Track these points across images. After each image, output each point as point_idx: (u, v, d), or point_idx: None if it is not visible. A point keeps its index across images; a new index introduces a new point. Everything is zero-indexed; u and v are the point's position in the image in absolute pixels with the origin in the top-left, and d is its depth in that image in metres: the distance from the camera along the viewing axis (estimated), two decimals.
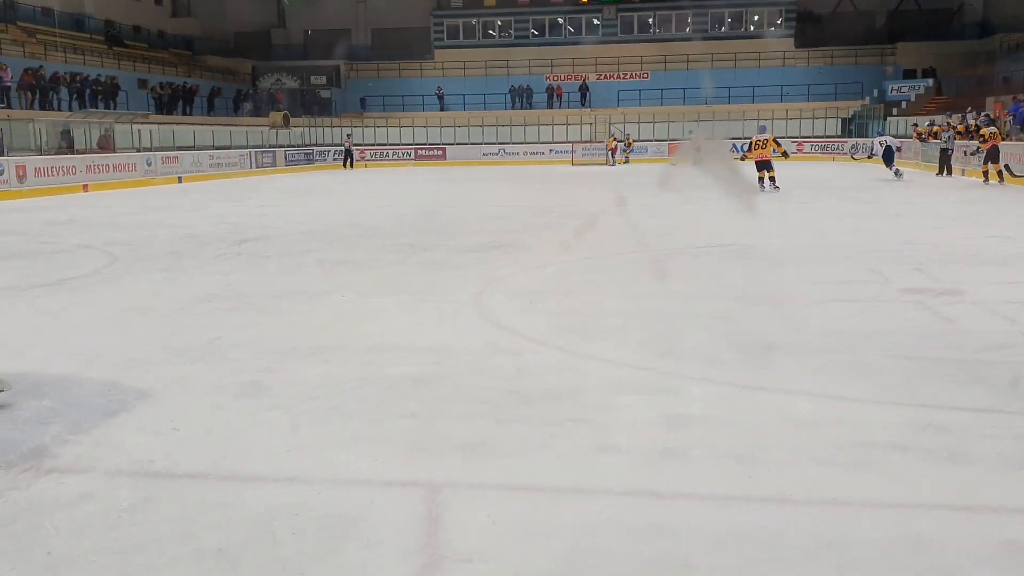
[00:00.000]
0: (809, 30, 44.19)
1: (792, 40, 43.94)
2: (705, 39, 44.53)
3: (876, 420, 4.22)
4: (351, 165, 37.33)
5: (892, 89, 39.27)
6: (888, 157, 22.88)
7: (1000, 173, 20.12)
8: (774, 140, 19.96)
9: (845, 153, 34.98)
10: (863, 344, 5.68)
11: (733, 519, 3.17)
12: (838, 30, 43.08)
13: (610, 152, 35.70)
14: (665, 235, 11.86)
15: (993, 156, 20.22)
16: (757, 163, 19.04)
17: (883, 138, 24.19)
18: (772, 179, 18.96)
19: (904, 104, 37.69)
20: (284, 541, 3.05)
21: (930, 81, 38.89)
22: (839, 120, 39.89)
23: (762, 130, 20.33)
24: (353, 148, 38.18)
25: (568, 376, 5.05)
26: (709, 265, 9.29)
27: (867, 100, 40.35)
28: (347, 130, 40.25)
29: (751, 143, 19.96)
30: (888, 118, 35.82)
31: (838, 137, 38.61)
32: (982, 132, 20.75)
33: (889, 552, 2.90)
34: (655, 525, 3.13)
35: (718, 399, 4.61)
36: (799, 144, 37.87)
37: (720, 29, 45.47)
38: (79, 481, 3.59)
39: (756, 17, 45.45)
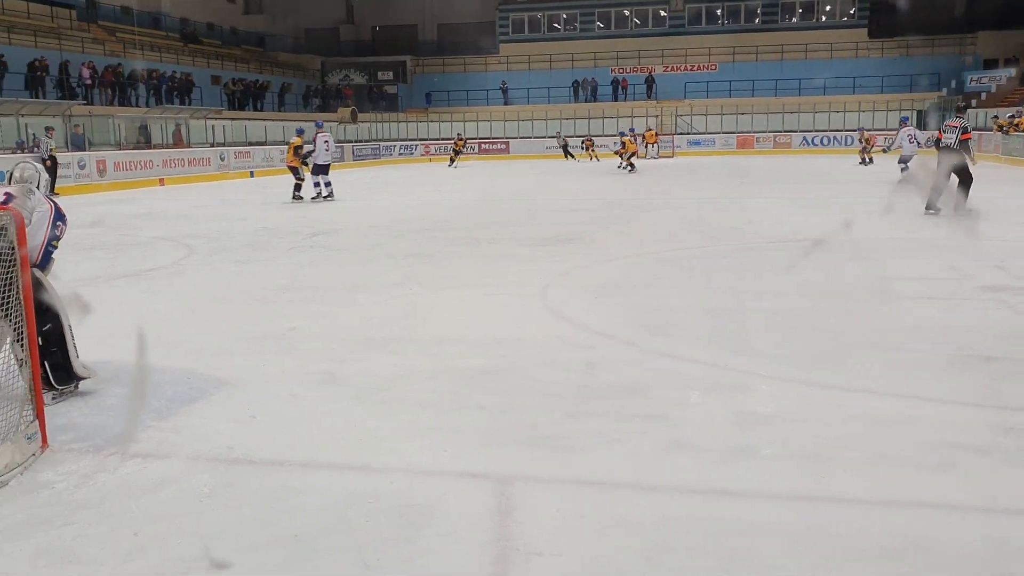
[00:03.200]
0: (884, 20, 43.06)
1: (866, 30, 42.93)
2: (775, 30, 43.80)
3: (956, 421, 4.12)
4: (572, 156, 36.10)
5: (971, 80, 38.08)
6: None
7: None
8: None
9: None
10: (942, 343, 5.54)
11: (809, 519, 3.12)
12: (914, 19, 41.84)
13: (652, 146, 35.18)
14: (737, 229, 11.71)
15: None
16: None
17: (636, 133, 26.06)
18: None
19: (984, 95, 36.51)
20: (358, 528, 3.11)
21: (1012, 71, 37.52)
22: (914, 112, 38.82)
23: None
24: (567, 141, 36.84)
25: (638, 371, 5.03)
26: (782, 260, 9.14)
27: (944, 92, 39.20)
28: (556, 127, 39.46)
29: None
30: (967, 110, 34.70)
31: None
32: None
33: (972, 557, 2.84)
34: (729, 523, 3.10)
35: (791, 397, 4.54)
36: (872, 138, 36.99)
37: (791, 20, 44.67)
38: (162, 466, 3.71)
39: (828, 7, 44.52)
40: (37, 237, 4.52)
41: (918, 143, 19.12)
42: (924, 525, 3.06)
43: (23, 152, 20.44)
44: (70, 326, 4.60)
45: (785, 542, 2.95)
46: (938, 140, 12.71)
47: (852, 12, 43.85)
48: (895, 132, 22.82)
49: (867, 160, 26.75)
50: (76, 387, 4.67)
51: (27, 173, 4.78)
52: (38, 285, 4.33)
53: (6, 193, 4.56)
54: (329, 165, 17.70)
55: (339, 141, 36.84)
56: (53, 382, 4.53)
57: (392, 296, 7.44)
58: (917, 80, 40.22)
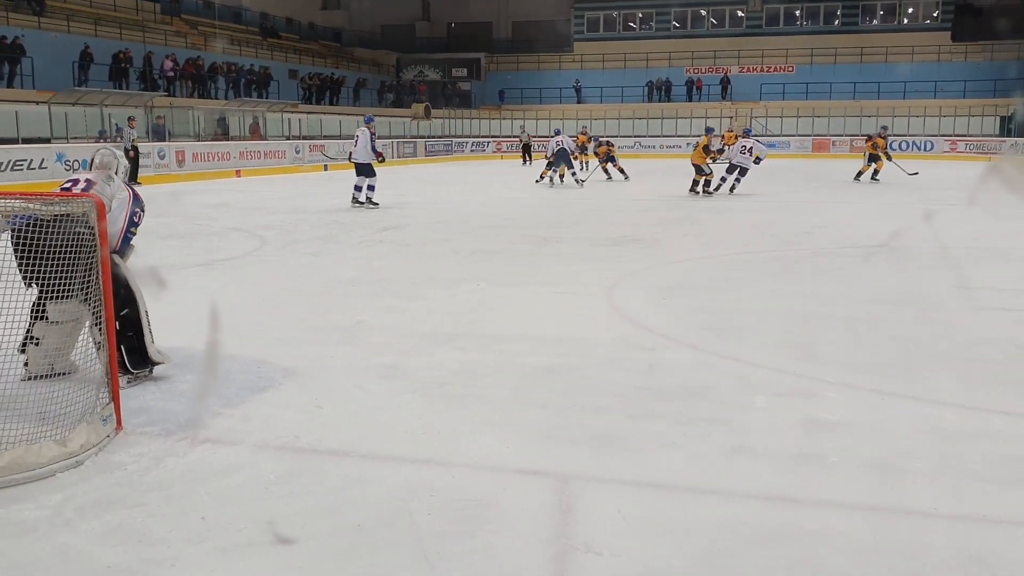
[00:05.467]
0: (968, 22, 41.73)
1: (949, 33, 41.69)
2: (855, 32, 42.86)
3: None
4: (530, 159, 32.58)
5: None
6: (565, 161, 20.42)
7: None
8: None
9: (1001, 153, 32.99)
10: (1017, 355, 5.37)
11: (874, 530, 3.05)
12: (1002, 23, 40.46)
13: (730, 147, 34.74)
14: (807, 233, 11.50)
15: None
16: None
17: (560, 138, 20.78)
18: None
19: None
20: (420, 521, 3.13)
21: None
22: (997, 119, 37.55)
23: None
24: (531, 141, 34.03)
25: (702, 374, 4.98)
26: (853, 265, 8.95)
27: None
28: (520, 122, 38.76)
29: None
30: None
31: (996, 137, 36.35)
32: None
33: None
34: (792, 531, 3.05)
35: (859, 406, 4.45)
36: (952, 143, 35.94)
37: (871, 21, 43.66)
38: (229, 452, 3.80)
39: (911, 9, 43.37)
40: (116, 223, 4.65)
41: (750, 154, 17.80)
42: (994, 540, 2.97)
43: (105, 141, 21.09)
44: (147, 312, 4.74)
45: (850, 552, 2.89)
46: None
47: (935, 14, 42.66)
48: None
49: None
50: (150, 372, 4.81)
51: (106, 160, 4.92)
52: (117, 270, 4.47)
53: (87, 179, 4.70)
54: (368, 164, 14.56)
55: (412, 137, 37.21)
56: (128, 366, 4.66)
57: (458, 292, 7.49)
58: (1002, 85, 38.88)
